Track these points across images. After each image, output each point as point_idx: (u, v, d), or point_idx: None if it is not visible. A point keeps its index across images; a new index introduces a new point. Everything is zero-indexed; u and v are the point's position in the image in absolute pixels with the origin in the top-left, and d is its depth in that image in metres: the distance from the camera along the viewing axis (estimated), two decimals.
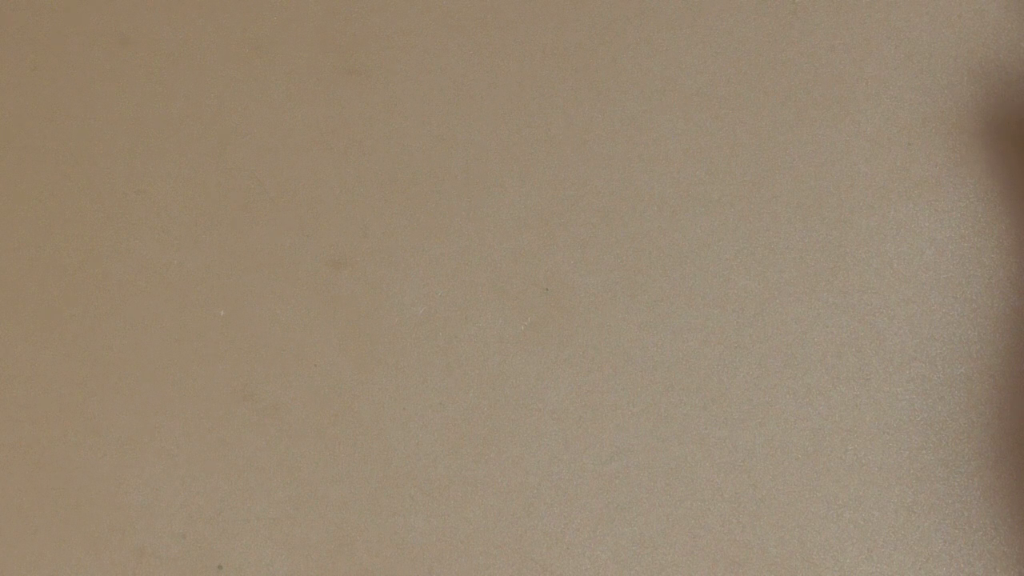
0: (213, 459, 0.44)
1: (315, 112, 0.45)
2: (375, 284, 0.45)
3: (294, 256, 0.45)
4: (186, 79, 0.45)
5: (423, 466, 0.45)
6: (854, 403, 0.44)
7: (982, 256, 0.45)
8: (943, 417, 0.44)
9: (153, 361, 0.45)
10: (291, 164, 0.45)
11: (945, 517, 0.43)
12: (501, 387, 0.45)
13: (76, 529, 0.44)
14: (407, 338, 0.45)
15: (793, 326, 0.44)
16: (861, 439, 0.43)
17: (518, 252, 0.45)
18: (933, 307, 0.44)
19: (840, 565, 0.43)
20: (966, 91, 0.45)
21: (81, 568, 0.44)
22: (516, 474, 0.45)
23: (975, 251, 0.45)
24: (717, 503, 0.44)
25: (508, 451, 0.45)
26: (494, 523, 0.44)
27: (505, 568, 0.44)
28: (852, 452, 0.44)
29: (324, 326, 0.45)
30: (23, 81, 0.45)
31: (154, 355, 0.45)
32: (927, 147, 0.45)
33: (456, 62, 0.45)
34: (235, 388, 0.44)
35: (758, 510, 0.44)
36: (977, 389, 0.44)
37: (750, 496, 0.44)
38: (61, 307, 0.45)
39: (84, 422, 0.45)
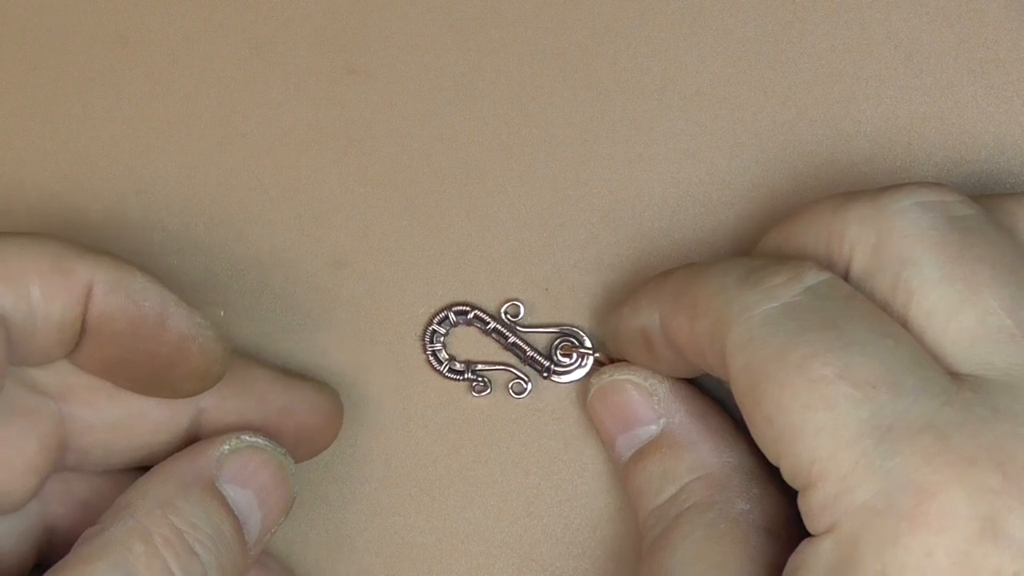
0: None
1: (315, 112, 0.45)
2: (375, 284, 0.45)
3: (294, 256, 0.45)
4: (186, 79, 0.45)
5: (423, 466, 0.45)
6: None
7: None
8: None
9: None
10: (291, 164, 0.45)
11: None
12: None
13: None
14: (407, 338, 0.45)
15: None
16: None
17: (518, 252, 0.45)
18: None
19: None
20: (966, 91, 0.45)
21: None
22: (516, 474, 0.44)
23: None
24: None
25: (508, 450, 0.44)
26: (494, 523, 0.44)
27: (505, 568, 0.44)
28: None
29: (324, 326, 0.45)
30: (23, 81, 0.45)
31: None
32: (927, 147, 0.45)
33: (456, 62, 0.45)
34: None
35: None
36: None
37: None
38: None
39: None
